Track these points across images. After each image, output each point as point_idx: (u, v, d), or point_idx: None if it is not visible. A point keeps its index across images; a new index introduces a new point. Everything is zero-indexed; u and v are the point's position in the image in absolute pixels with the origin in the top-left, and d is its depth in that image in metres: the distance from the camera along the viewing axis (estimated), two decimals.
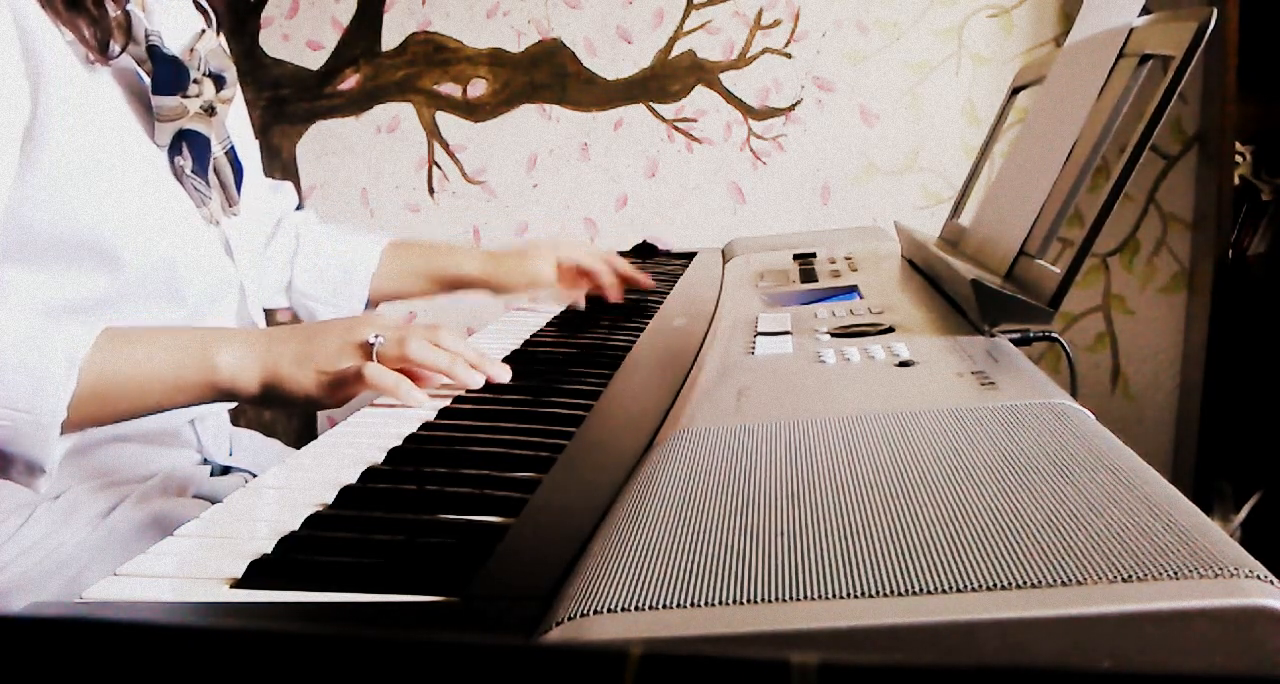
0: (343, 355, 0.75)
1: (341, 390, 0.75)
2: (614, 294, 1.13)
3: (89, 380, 0.67)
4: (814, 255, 1.20)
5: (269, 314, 1.02)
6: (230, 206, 0.86)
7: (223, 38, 0.90)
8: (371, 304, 1.11)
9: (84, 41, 0.73)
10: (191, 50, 0.81)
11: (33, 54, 0.69)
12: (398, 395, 0.76)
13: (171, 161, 0.79)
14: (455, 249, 1.12)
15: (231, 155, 0.86)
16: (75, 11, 0.72)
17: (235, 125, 0.90)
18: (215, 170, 0.84)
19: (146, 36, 0.78)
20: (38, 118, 0.69)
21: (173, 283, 0.79)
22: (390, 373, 0.75)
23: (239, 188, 0.87)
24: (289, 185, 1.10)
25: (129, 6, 0.78)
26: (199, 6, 0.89)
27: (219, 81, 0.83)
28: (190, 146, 0.80)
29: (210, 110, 0.82)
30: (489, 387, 0.80)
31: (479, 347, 0.83)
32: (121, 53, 0.76)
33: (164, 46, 0.79)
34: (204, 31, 0.85)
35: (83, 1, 0.72)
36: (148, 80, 0.78)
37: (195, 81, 0.80)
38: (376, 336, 0.75)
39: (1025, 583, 0.34)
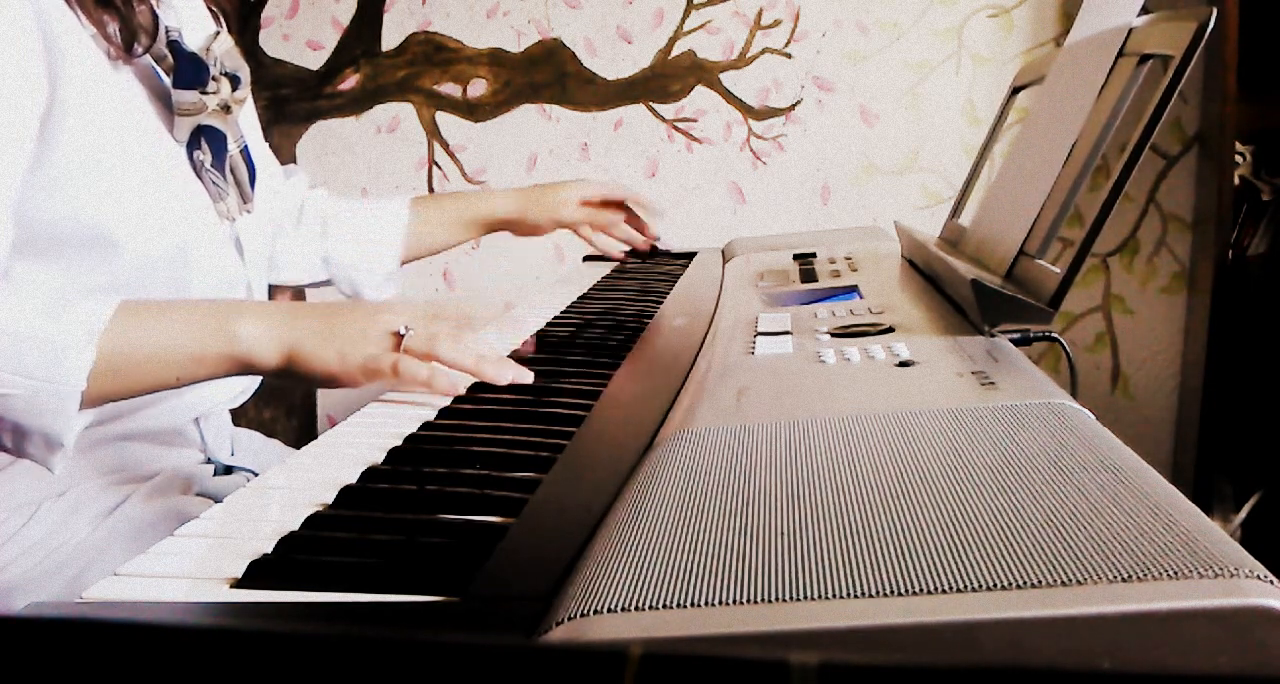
0: (367, 340, 0.75)
1: (368, 377, 0.75)
2: (650, 226, 1.22)
3: (108, 351, 0.67)
4: (814, 255, 1.20)
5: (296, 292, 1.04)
6: (245, 204, 0.86)
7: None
8: (404, 262, 1.14)
9: (108, 38, 0.73)
10: (207, 50, 0.82)
11: (54, 48, 0.69)
12: (431, 387, 0.76)
13: (190, 157, 0.80)
14: (482, 193, 1.18)
15: (245, 154, 0.87)
16: (103, 8, 0.73)
17: (247, 125, 0.90)
18: (231, 168, 0.84)
19: (167, 33, 0.79)
20: (55, 110, 0.70)
21: (181, 277, 0.79)
22: (422, 367, 0.76)
23: (253, 185, 0.87)
24: (299, 169, 1.12)
25: (152, 3, 0.78)
26: (210, 9, 0.90)
27: (234, 81, 0.84)
28: (208, 142, 0.81)
29: (226, 109, 0.83)
30: (490, 386, 0.80)
31: (495, 349, 0.83)
32: (145, 52, 0.76)
33: (184, 43, 0.79)
34: (219, 32, 0.85)
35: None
36: (166, 77, 0.79)
37: (214, 79, 0.81)
38: (406, 328, 0.76)
39: (1025, 583, 0.34)
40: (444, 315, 0.80)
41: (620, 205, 1.23)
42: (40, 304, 0.67)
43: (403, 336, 0.75)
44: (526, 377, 0.81)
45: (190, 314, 0.72)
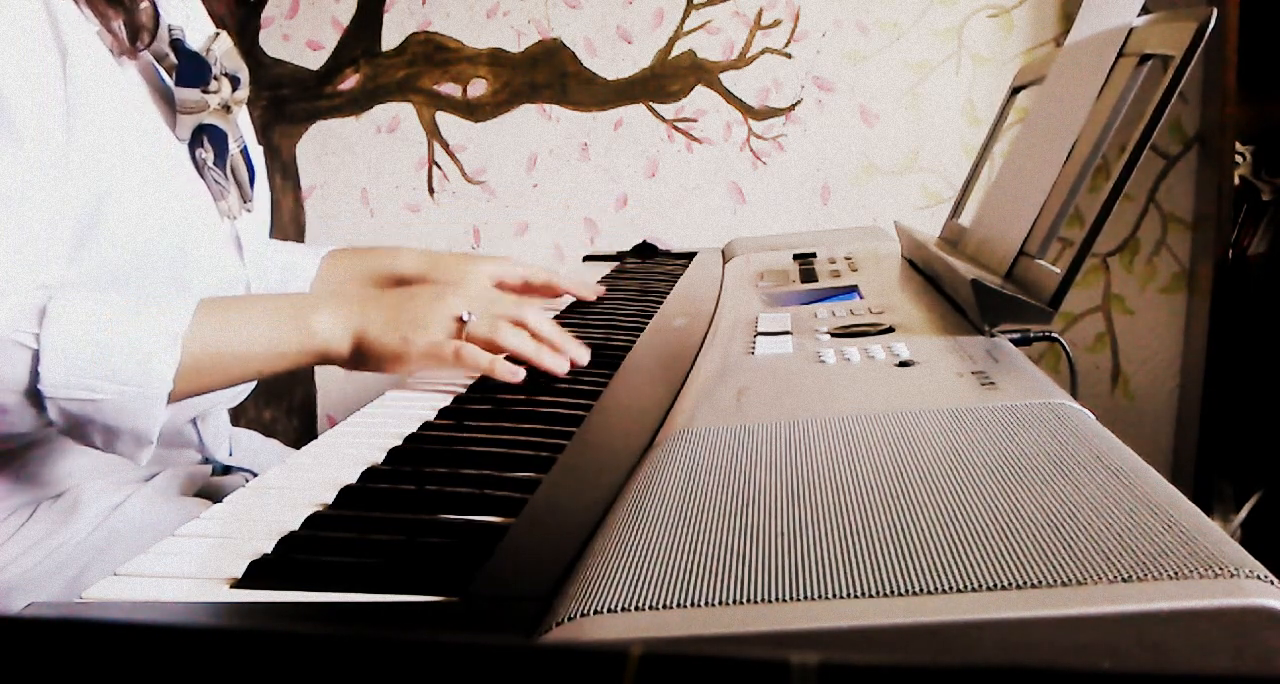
0: (432, 325, 0.77)
1: (433, 361, 0.77)
2: (583, 293, 1.15)
3: (192, 351, 0.69)
4: (814, 255, 1.20)
5: None
6: (245, 202, 0.86)
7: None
8: None
9: (113, 33, 0.74)
10: (208, 50, 0.82)
11: (61, 44, 0.70)
12: (494, 374, 0.79)
13: (193, 155, 0.80)
14: (392, 250, 1.13)
15: (245, 154, 0.87)
16: (109, 3, 0.73)
17: (243, 127, 0.90)
18: (232, 167, 0.85)
19: (169, 32, 0.79)
20: (66, 105, 0.70)
21: (179, 276, 0.79)
22: (484, 354, 0.78)
23: (252, 185, 0.87)
24: None
25: (154, 1, 0.79)
26: (210, 11, 0.90)
27: (234, 82, 0.84)
28: (210, 141, 0.81)
29: (226, 109, 0.83)
30: (489, 386, 0.81)
31: (558, 330, 0.84)
32: (147, 47, 0.77)
33: (186, 42, 0.80)
34: (218, 33, 0.86)
35: None
36: (167, 76, 0.79)
37: (215, 79, 0.81)
38: (469, 314, 0.79)
39: (1025, 583, 0.34)
40: (507, 300, 0.83)
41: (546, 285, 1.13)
42: (121, 308, 0.68)
43: (465, 322, 0.78)
44: (584, 357, 0.83)
45: (268, 310, 0.75)
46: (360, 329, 0.76)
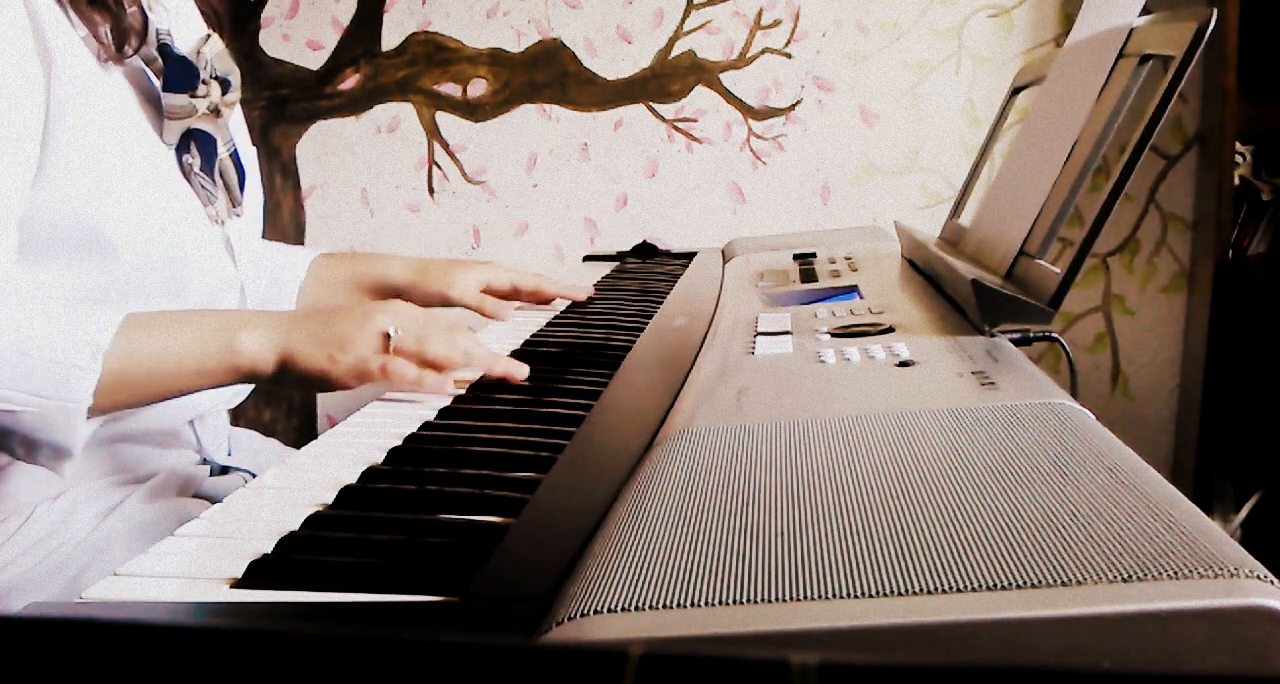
0: (359, 342, 0.76)
1: (359, 379, 0.76)
2: (573, 295, 1.16)
3: (114, 368, 0.68)
4: (814, 255, 1.20)
5: None
6: (234, 207, 0.86)
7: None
8: None
9: (99, 39, 0.73)
10: (198, 53, 0.82)
11: (46, 49, 0.70)
12: (421, 389, 0.77)
13: (180, 160, 0.80)
14: (382, 257, 1.13)
15: (235, 157, 0.87)
16: (95, 8, 0.73)
17: (236, 129, 0.90)
18: (220, 171, 0.84)
19: (157, 36, 0.79)
20: (51, 111, 0.70)
21: (175, 280, 0.79)
22: (411, 368, 0.77)
23: (242, 189, 0.87)
24: None
25: (143, 5, 0.78)
26: (203, 12, 0.90)
27: (224, 85, 0.84)
28: (198, 146, 0.81)
29: (216, 112, 0.83)
30: (489, 386, 0.81)
31: (491, 348, 0.84)
32: (135, 53, 0.76)
33: (174, 46, 0.80)
34: (210, 36, 0.85)
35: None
36: (155, 80, 0.79)
37: (204, 83, 0.81)
38: (395, 329, 0.77)
39: (1025, 583, 0.34)
40: (438, 318, 0.81)
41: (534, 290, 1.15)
42: (47, 320, 0.68)
43: (391, 338, 0.77)
44: (521, 371, 0.81)
45: (194, 328, 0.74)
46: (287, 349, 0.75)
